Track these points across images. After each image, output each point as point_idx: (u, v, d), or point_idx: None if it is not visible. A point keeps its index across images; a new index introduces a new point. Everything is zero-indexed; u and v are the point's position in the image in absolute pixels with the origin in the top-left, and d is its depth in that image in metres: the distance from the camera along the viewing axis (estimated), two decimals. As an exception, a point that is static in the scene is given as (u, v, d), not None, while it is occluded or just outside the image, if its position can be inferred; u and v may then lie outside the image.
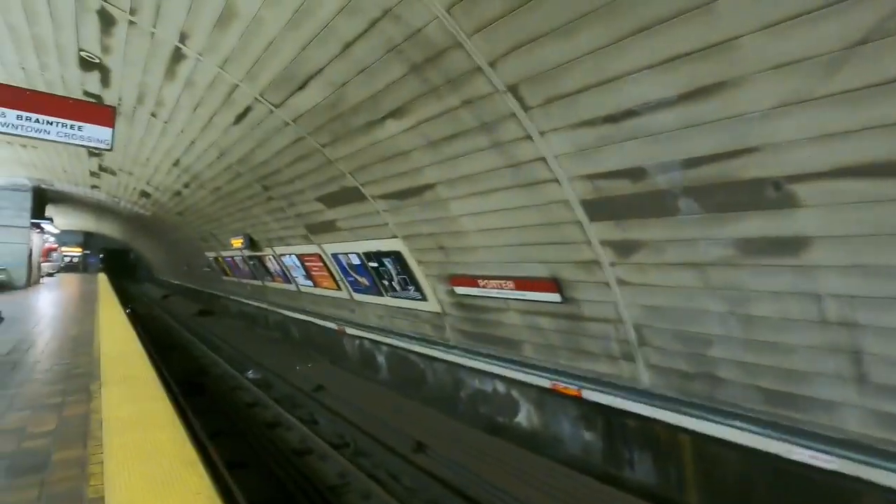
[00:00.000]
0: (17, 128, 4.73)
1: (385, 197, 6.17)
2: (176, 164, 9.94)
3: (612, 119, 3.31)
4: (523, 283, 5.31)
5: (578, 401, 5.62)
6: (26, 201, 17.39)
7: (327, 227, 8.28)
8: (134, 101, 7.18)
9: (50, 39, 5.68)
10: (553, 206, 4.28)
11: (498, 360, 6.47)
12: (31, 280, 18.59)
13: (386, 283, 7.98)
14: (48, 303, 12.64)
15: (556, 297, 5.03)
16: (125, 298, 25.87)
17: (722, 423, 4.18)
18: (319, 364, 10.19)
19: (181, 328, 16.56)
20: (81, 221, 32.97)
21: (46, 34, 5.56)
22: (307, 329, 12.67)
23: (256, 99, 5.64)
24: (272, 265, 12.59)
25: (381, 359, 9.64)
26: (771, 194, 2.96)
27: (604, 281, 4.45)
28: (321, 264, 9.81)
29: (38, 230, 20.15)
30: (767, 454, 3.80)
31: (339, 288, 9.88)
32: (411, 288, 7.43)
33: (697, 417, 4.30)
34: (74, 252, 39.92)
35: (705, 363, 4.10)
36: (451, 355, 7.35)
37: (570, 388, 5.60)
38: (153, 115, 7.55)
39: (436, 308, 7.19)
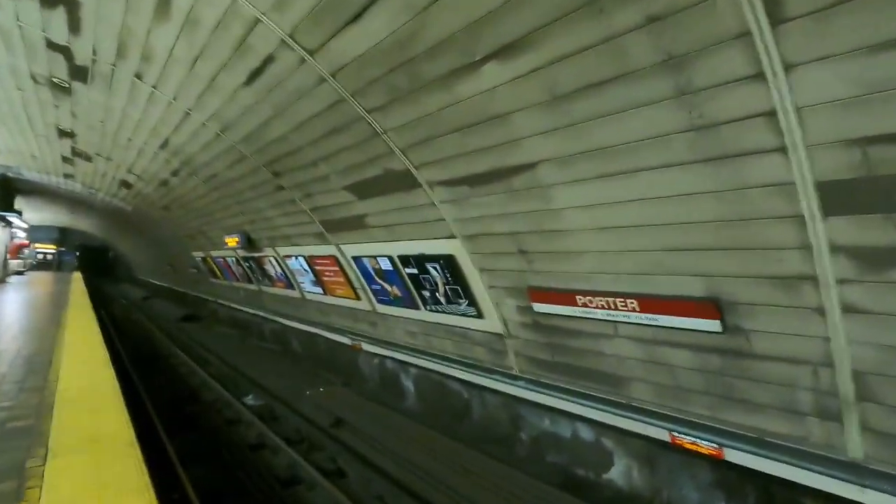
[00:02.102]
0: None
1: (449, 183, 4.64)
2: (164, 145, 8.29)
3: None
4: (656, 304, 3.83)
5: (717, 462, 4.15)
6: (-11, 190, 15.47)
7: (353, 224, 6.72)
8: (113, 54, 5.56)
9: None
10: (756, 191, 2.81)
11: (586, 399, 4.97)
12: (-6, 279, 16.61)
13: (426, 294, 6.44)
14: (7, 307, 10.81)
15: (712, 324, 3.56)
16: (101, 300, 23.85)
17: None
18: (331, 387, 8.59)
19: (164, 336, 14.76)
20: (55, 216, 30.74)
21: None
22: (313, 342, 11.04)
23: (283, 42, 4.08)
24: (272, 268, 10.96)
25: (408, 383, 8.09)
26: None
27: (815, 306, 2.98)
28: (336, 269, 8.24)
29: (4, 224, 18.14)
30: None
31: (357, 297, 8.31)
32: (463, 301, 5.90)
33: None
34: (48, 249, 37.42)
35: None
36: (511, 387, 5.83)
37: (704, 445, 4.13)
38: (138, 76, 5.94)
39: (496, 328, 5.68)
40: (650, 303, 3.87)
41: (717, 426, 4.01)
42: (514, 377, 5.79)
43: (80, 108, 7.88)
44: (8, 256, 21.10)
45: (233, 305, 16.17)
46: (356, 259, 7.47)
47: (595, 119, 3.17)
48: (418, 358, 7.42)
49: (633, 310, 4.01)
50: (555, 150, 3.54)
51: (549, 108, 3.30)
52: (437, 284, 6.14)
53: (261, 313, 13.84)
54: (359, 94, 4.32)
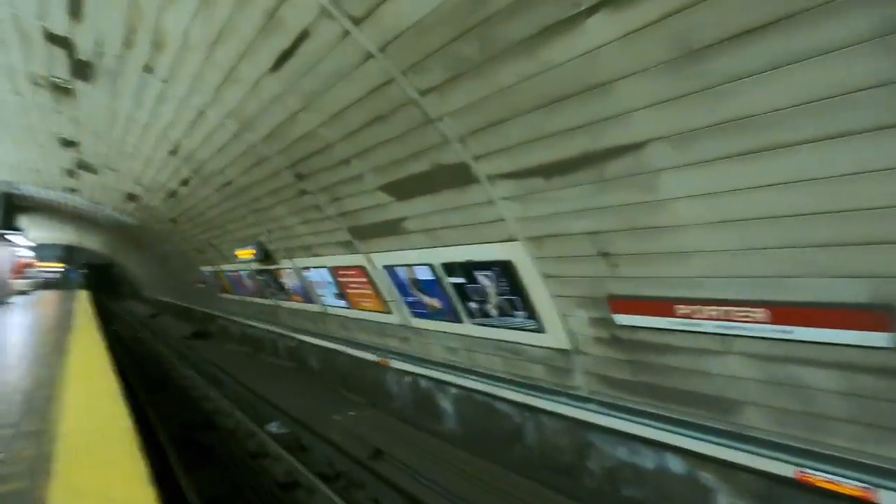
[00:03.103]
0: None
1: (517, 175, 3.95)
2: (174, 151, 7.66)
3: None
4: (795, 313, 3.10)
5: (864, 507, 3.39)
6: (-11, 207, 14.92)
7: (387, 230, 6.03)
8: (119, 44, 4.92)
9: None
10: None
11: (678, 426, 4.24)
12: (-3, 300, 15.99)
13: (473, 305, 5.73)
14: (7, 331, 10.14)
15: (878, 338, 2.82)
16: (107, 318, 23.19)
17: None
18: (361, 410, 7.86)
19: (173, 355, 14.07)
20: (61, 234, 30.33)
21: None
22: (333, 359, 10.31)
23: (323, 10, 3.42)
24: (289, 281, 10.28)
25: (445, 404, 7.34)
26: None
27: None
28: (364, 280, 7.54)
29: (6, 243, 17.57)
30: None
31: (387, 310, 7.61)
32: (519, 313, 5.18)
33: None
34: (54, 267, 36.96)
35: None
36: (578, 410, 5.10)
37: (847, 485, 3.38)
38: (147, 69, 5.30)
39: (560, 343, 4.95)
40: (786, 312, 3.14)
41: (866, 462, 3.27)
42: (583, 399, 5.05)
43: (84, 114, 7.27)
44: (12, 276, 20.54)
45: (244, 321, 15.50)
46: (389, 269, 6.77)
47: (739, 80, 2.47)
48: (459, 376, 6.70)
49: (759, 321, 3.28)
50: (673, 125, 2.84)
51: (673, 69, 2.61)
52: (487, 295, 5.43)
53: (275, 329, 13.16)
54: (412, 72, 3.64)
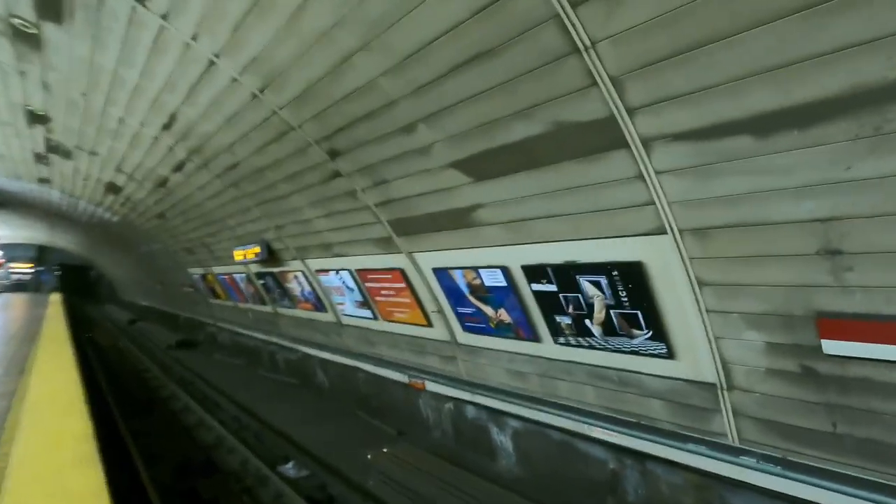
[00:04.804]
0: None
1: (702, 135, 2.65)
2: (169, 124, 6.22)
3: None
4: None
5: None
6: (-52, 200, 13.20)
7: (450, 222, 4.71)
8: (103, -46, 3.53)
9: None
10: None
11: (903, 498, 2.98)
12: (-46, 304, 14.21)
13: (564, 320, 4.42)
14: (-40, 341, 8.53)
15: None
16: (83, 324, 21.31)
17: None
18: (391, 442, 6.47)
19: (158, 369, 12.46)
20: (32, 232, 28.31)
21: None
22: (348, 377, 8.89)
23: None
24: (298, 285, 8.86)
25: (502, 438, 6.01)
26: None
27: None
28: (401, 285, 6.19)
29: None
30: None
31: (427, 323, 6.26)
32: (641, 333, 3.89)
33: None
34: (24, 268, 34.73)
35: None
36: (719, 463, 3.82)
37: None
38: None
39: (701, 374, 3.67)
40: None
41: None
42: (729, 450, 3.76)
43: (56, 74, 5.81)
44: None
45: (237, 330, 13.97)
46: (440, 272, 5.44)
47: None
48: (525, 407, 5.38)
49: None
50: None
51: None
52: (589, 307, 4.12)
53: (274, 339, 11.70)
54: (569, -36, 2.34)
